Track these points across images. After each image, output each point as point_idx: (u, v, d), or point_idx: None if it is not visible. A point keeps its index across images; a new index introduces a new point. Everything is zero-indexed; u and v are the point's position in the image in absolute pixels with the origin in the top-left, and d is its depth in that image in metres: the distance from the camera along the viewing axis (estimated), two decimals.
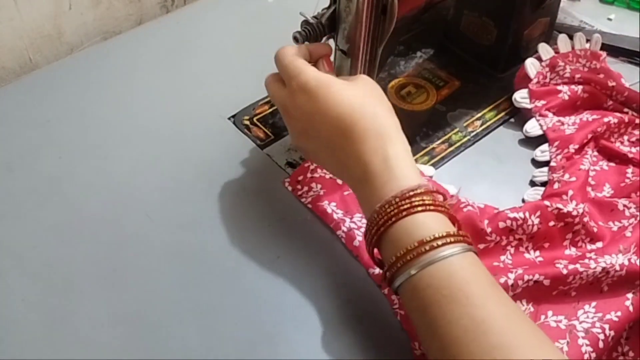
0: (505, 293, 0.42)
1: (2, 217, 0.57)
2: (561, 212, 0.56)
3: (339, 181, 0.60)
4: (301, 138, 0.53)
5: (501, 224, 0.55)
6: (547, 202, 0.56)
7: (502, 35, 0.70)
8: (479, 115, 0.68)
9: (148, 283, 0.53)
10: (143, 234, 0.57)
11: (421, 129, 0.66)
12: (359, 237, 0.55)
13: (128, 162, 0.63)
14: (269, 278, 0.54)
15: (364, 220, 0.54)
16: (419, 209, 0.44)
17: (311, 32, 0.55)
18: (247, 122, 0.67)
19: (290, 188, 0.60)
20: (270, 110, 0.68)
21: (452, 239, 0.43)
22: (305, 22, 0.55)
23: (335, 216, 0.57)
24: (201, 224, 0.57)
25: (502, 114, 0.68)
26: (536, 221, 0.55)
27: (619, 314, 0.51)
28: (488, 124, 0.67)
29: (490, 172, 0.62)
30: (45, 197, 0.59)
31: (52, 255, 0.55)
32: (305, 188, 0.60)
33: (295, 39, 0.55)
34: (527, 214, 0.55)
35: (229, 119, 0.67)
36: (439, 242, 0.42)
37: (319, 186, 0.60)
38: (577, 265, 0.52)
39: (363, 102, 0.49)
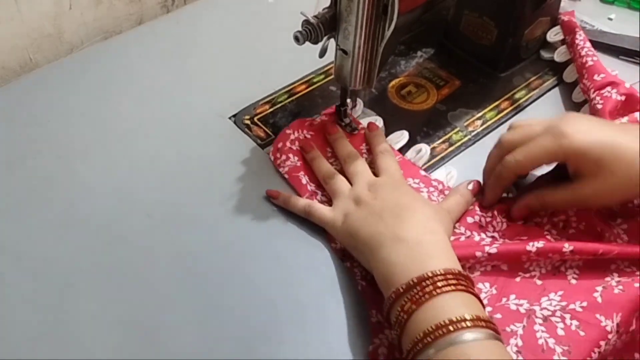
0: None
1: (2, 216, 0.57)
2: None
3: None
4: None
5: (469, 219, 0.56)
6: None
7: (503, 35, 0.70)
8: (480, 114, 0.68)
9: (148, 283, 0.53)
10: (143, 233, 0.57)
11: (421, 129, 0.66)
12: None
13: (128, 161, 0.63)
14: (269, 278, 0.54)
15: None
16: (446, 289, 0.44)
17: (312, 32, 0.55)
18: (248, 122, 0.67)
19: (272, 158, 0.62)
20: (271, 110, 0.68)
21: (480, 324, 0.42)
22: (306, 22, 0.55)
23: (309, 188, 0.60)
24: (201, 223, 0.57)
25: (503, 113, 0.68)
26: (503, 220, 0.56)
27: (584, 304, 0.50)
28: (488, 123, 0.67)
29: None
30: (45, 196, 0.59)
31: (52, 255, 0.55)
32: (284, 157, 0.61)
33: (297, 39, 0.55)
34: (495, 212, 0.56)
35: (229, 118, 0.67)
36: (465, 324, 0.42)
37: (296, 158, 0.62)
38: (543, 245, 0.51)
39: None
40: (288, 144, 0.62)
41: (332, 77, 0.72)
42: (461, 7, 0.73)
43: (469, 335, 0.41)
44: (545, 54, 0.75)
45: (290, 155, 0.62)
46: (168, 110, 0.69)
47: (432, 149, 0.64)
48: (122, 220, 0.57)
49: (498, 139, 0.57)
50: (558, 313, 0.50)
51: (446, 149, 0.64)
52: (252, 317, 0.51)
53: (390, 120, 0.66)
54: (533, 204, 0.56)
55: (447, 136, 0.65)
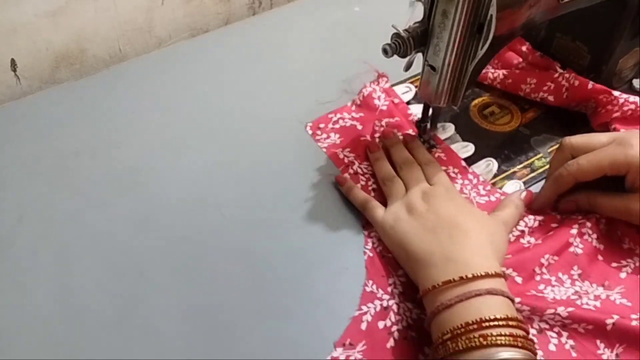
0: None
1: (85, 202, 0.59)
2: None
3: (359, 127, 0.66)
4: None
5: None
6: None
7: (596, 61, 0.67)
8: None
9: (217, 281, 0.53)
10: (215, 231, 0.57)
11: (502, 151, 0.64)
12: (362, 182, 0.61)
13: (206, 159, 0.64)
14: (335, 289, 0.53)
15: (369, 168, 0.62)
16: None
17: (401, 46, 0.54)
18: None
19: (310, 132, 0.66)
20: None
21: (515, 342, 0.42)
22: (396, 35, 0.54)
23: (346, 160, 0.63)
24: (272, 227, 0.58)
25: None
26: (536, 218, 0.57)
27: (590, 327, 0.48)
28: None
29: None
30: (126, 186, 0.61)
31: (128, 244, 0.56)
32: (324, 135, 0.66)
33: (385, 51, 0.55)
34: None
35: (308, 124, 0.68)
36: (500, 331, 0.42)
37: (337, 135, 0.66)
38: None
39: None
40: (330, 124, 0.67)
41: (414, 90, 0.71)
42: (553, 29, 0.71)
43: (505, 354, 0.41)
44: (637, 85, 0.72)
45: (332, 134, 0.66)
46: (249, 111, 0.69)
47: (513, 173, 0.62)
48: (197, 216, 0.58)
49: (560, 142, 0.57)
50: (556, 329, 0.49)
51: (527, 175, 0.62)
52: (317, 327, 0.51)
53: (470, 140, 0.65)
54: (582, 202, 0.56)
55: (529, 161, 0.63)
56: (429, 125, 0.64)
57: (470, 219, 0.52)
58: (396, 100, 0.69)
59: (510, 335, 0.42)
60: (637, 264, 0.54)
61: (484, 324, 0.42)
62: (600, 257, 0.54)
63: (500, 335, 0.42)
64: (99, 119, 0.68)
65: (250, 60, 0.76)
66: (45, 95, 0.72)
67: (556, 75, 0.68)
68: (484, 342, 0.42)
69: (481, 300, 0.44)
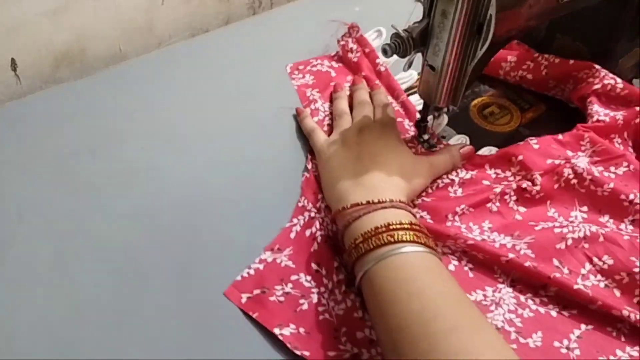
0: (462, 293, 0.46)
1: (85, 201, 0.59)
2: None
3: (333, 74, 0.72)
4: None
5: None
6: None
7: (596, 62, 0.67)
8: None
9: (216, 282, 0.53)
10: (215, 231, 0.57)
11: None
12: (320, 116, 0.66)
13: (206, 158, 0.64)
14: None
15: (331, 108, 0.68)
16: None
17: (401, 45, 0.54)
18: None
19: (289, 70, 0.73)
20: None
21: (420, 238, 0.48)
22: (396, 35, 0.54)
23: (311, 97, 0.69)
24: (274, 227, 0.57)
25: None
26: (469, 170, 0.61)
27: (488, 257, 0.53)
28: None
29: None
30: (126, 185, 0.61)
31: (127, 244, 0.56)
32: (300, 75, 0.73)
33: (384, 51, 0.55)
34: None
35: None
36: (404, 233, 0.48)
37: (312, 77, 0.72)
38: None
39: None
40: (308, 67, 0.73)
41: (414, 89, 0.71)
42: (553, 29, 0.71)
43: (408, 247, 0.47)
44: (637, 85, 0.72)
45: (307, 75, 0.73)
46: (249, 110, 0.69)
47: None
48: (196, 216, 0.58)
49: None
50: (457, 254, 0.54)
51: None
52: None
53: (470, 140, 0.65)
54: None
55: None
56: (429, 124, 0.64)
57: (392, 154, 0.57)
58: (367, 50, 0.74)
59: (415, 235, 0.48)
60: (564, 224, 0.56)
61: (391, 227, 0.48)
62: (518, 217, 0.57)
63: (405, 235, 0.48)
64: (99, 119, 0.68)
65: (250, 60, 0.76)
66: (46, 94, 0.72)
67: (536, 54, 0.70)
68: (391, 240, 0.47)
69: (387, 211, 0.51)
